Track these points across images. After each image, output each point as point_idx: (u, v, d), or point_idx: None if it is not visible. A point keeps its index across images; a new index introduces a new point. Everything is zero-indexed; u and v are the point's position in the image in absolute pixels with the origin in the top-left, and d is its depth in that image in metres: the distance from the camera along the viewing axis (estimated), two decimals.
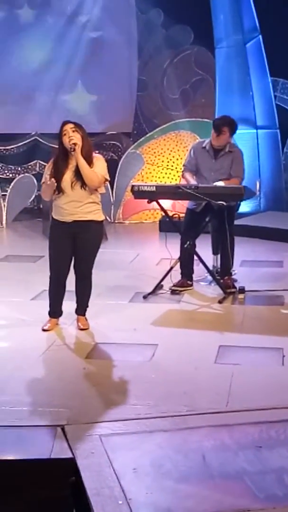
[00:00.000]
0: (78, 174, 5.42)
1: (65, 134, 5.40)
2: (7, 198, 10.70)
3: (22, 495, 3.48)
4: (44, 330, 5.63)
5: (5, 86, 11.50)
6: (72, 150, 5.37)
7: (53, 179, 5.37)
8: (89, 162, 5.42)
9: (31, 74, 11.60)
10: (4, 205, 10.71)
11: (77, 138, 5.38)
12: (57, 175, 5.44)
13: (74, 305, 5.76)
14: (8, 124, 11.71)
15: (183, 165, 7.15)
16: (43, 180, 5.58)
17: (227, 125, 6.81)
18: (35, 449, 3.77)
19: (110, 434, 3.82)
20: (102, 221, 5.65)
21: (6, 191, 10.72)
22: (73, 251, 5.58)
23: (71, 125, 5.43)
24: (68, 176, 5.44)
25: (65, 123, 5.48)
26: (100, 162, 5.52)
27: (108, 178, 5.62)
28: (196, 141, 7.17)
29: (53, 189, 5.43)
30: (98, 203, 5.58)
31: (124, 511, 3.10)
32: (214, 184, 6.67)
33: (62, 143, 5.44)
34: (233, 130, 6.87)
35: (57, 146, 5.61)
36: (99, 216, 5.60)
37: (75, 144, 5.35)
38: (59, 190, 5.45)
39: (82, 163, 5.38)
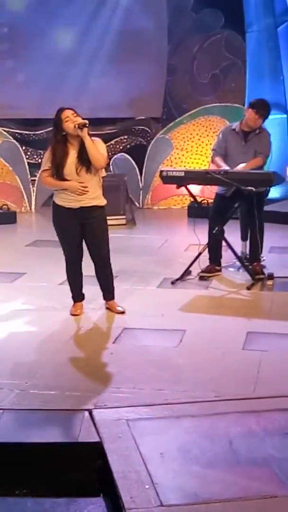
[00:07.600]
0: (81, 159, 5.38)
1: (67, 121, 5.33)
2: (36, 183, 10.73)
3: (50, 479, 3.51)
4: (72, 315, 5.67)
5: (34, 70, 11.48)
6: (85, 126, 5.27)
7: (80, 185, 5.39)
8: None
9: (60, 58, 11.56)
10: (33, 190, 10.76)
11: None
12: (60, 163, 5.39)
13: (97, 290, 5.76)
14: (37, 108, 11.71)
15: (212, 149, 7.04)
16: (43, 168, 5.50)
17: (267, 111, 6.73)
18: (63, 432, 3.80)
19: (137, 419, 3.83)
20: (104, 206, 5.61)
21: (35, 176, 10.71)
22: (83, 237, 5.57)
23: (71, 111, 5.37)
24: (71, 162, 5.40)
25: (62, 110, 5.39)
26: (101, 144, 5.49)
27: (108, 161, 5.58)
28: (225, 125, 7.08)
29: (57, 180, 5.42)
30: (100, 187, 5.57)
31: (151, 495, 3.11)
32: (238, 166, 6.60)
33: (61, 131, 5.37)
34: (267, 117, 6.81)
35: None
36: (102, 201, 5.58)
37: (85, 123, 5.28)
38: (61, 178, 5.42)
39: (89, 141, 5.33)
